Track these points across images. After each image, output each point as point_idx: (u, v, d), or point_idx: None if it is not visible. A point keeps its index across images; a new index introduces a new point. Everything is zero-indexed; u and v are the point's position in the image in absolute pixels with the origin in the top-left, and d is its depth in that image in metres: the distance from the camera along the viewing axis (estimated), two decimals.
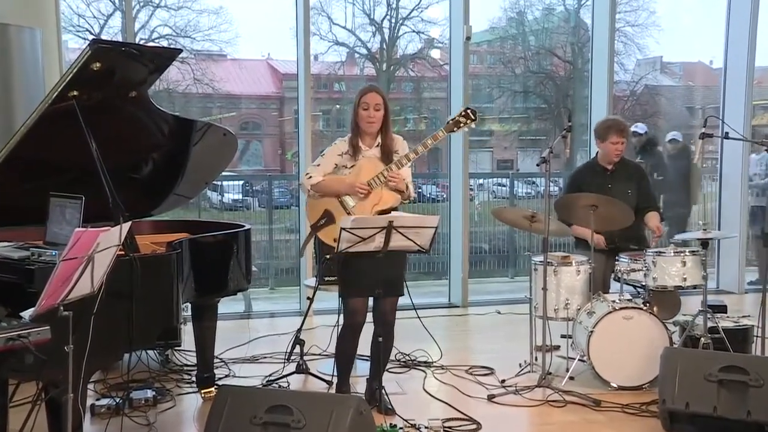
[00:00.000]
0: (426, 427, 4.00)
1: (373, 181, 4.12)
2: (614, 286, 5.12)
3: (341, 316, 4.18)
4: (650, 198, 5.43)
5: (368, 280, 4.02)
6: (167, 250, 3.75)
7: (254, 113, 13.00)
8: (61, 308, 2.71)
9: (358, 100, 4.15)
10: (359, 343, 4.26)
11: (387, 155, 4.18)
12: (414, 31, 12.45)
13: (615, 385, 4.59)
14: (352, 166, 4.19)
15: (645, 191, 5.39)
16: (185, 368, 4.99)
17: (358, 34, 12.30)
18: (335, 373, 4.31)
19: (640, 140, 8.18)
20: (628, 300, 4.75)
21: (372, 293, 4.08)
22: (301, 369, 4.86)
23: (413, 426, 4.01)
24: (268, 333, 5.98)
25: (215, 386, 4.48)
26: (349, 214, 4.10)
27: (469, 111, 4.18)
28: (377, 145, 4.20)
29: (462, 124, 4.18)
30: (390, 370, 4.97)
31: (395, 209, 4.15)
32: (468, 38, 6.96)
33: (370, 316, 4.23)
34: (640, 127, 8.34)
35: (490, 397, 4.52)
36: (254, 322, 6.49)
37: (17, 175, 3.49)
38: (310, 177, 4.19)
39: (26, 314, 2.73)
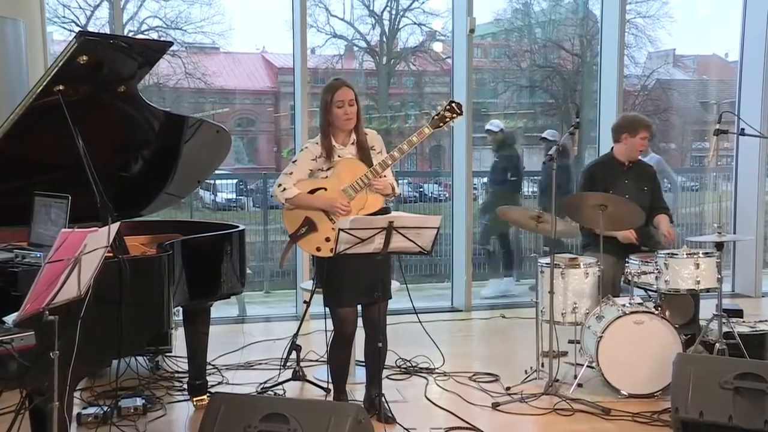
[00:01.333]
0: None
1: (357, 184, 4.06)
2: (624, 289, 5.11)
3: (331, 324, 4.17)
4: (662, 199, 5.49)
5: (364, 286, 4.01)
6: (158, 251, 3.75)
7: (248, 109, 12.98)
8: (47, 312, 2.71)
9: (330, 97, 4.04)
10: (356, 350, 4.26)
11: (364, 152, 4.13)
12: (415, 23, 12.43)
13: (625, 393, 4.59)
14: (329, 169, 4.11)
15: (657, 192, 5.46)
16: (176, 375, 4.99)
17: (357, 27, 12.28)
18: (332, 380, 4.31)
19: (496, 138, 8.20)
20: (639, 304, 4.74)
21: (370, 298, 4.06)
22: (298, 376, 4.86)
23: None
24: (263, 338, 5.98)
25: (208, 394, 4.48)
26: (331, 220, 4.06)
27: (454, 105, 4.12)
28: (352, 143, 4.15)
29: (448, 119, 4.12)
30: (390, 376, 4.98)
31: (384, 210, 4.14)
32: (471, 31, 6.96)
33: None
34: (495, 125, 8.33)
35: (495, 405, 4.52)
36: (248, 326, 6.48)
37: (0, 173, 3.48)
38: (284, 189, 4.08)
39: (10, 319, 2.72)
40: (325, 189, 4.10)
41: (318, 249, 4.10)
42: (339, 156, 4.11)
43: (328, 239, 4.03)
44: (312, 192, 4.11)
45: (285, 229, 4.17)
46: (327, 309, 4.17)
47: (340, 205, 4.02)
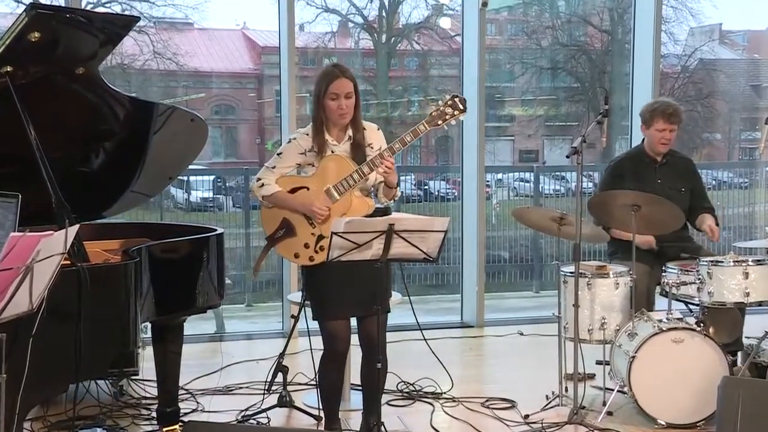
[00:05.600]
0: None
1: (341, 185, 4.06)
2: (661, 302, 5.11)
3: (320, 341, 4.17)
4: (706, 197, 5.47)
5: (358, 295, 4.00)
6: (122, 258, 3.74)
7: (227, 94, 12.98)
8: None
9: (324, 88, 4.05)
10: (351, 371, 4.26)
11: (359, 150, 4.13)
12: None
13: (663, 423, 4.58)
14: (318, 166, 4.12)
15: (700, 190, 5.44)
16: (143, 401, 4.99)
17: None
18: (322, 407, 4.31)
19: None
20: (678, 319, 4.74)
21: (366, 310, 4.05)
22: (284, 401, 4.86)
23: None
24: (244, 358, 5.98)
25: (180, 423, 4.47)
26: (311, 225, 4.07)
27: (457, 99, 4.11)
28: (348, 139, 4.15)
29: (448, 116, 4.11)
30: (391, 402, 4.97)
31: (384, 211, 4.13)
32: (484, 4, 6.95)
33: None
34: None
35: None
36: (227, 345, 6.48)
37: None
38: (262, 185, 4.12)
39: None
40: (308, 188, 4.12)
41: (296, 255, 4.11)
42: (332, 152, 4.12)
43: (306, 245, 4.06)
44: (294, 191, 4.13)
45: (263, 230, 4.19)
46: (317, 323, 4.17)
47: (318, 208, 4.03)
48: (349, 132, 4.15)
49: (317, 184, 4.10)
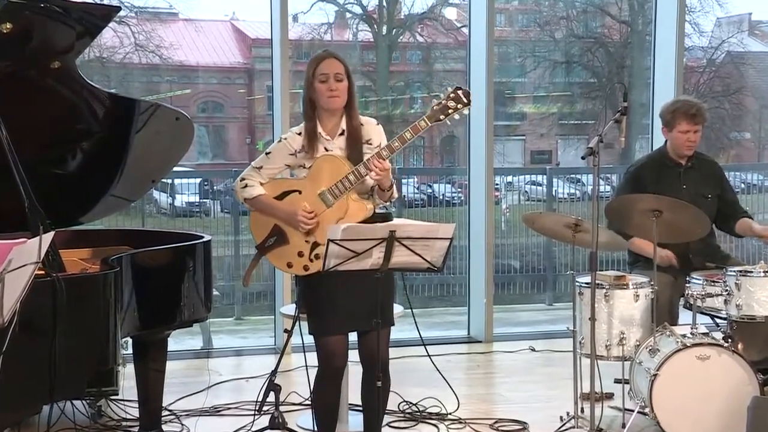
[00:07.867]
0: None
1: (336, 188, 4.03)
2: (685, 315, 5.11)
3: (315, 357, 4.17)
4: (738, 202, 5.47)
5: (357, 308, 3.99)
6: (101, 268, 3.74)
7: (215, 90, 13.01)
8: None
9: (311, 72, 4.05)
10: (349, 390, 4.25)
11: (355, 145, 4.11)
12: None
13: None
14: (311, 167, 4.11)
15: (732, 195, 5.47)
16: (124, 424, 4.98)
17: None
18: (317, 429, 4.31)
19: None
20: (704, 334, 4.73)
21: (366, 325, 4.04)
22: (276, 423, 4.85)
23: None
24: (234, 376, 5.98)
25: None
26: (306, 232, 4.05)
27: (460, 92, 4.08)
28: (341, 133, 4.15)
29: (451, 111, 4.10)
30: (392, 424, 4.97)
31: (385, 217, 4.11)
32: None
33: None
34: None
35: None
36: (215, 362, 6.48)
37: None
38: (245, 186, 4.11)
39: None
40: (300, 192, 4.10)
41: (289, 265, 4.09)
42: (326, 149, 4.10)
43: (301, 254, 4.02)
44: (283, 195, 4.11)
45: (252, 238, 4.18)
46: (311, 338, 4.16)
47: (303, 218, 4.01)
48: (343, 125, 4.13)
49: (310, 187, 4.07)
